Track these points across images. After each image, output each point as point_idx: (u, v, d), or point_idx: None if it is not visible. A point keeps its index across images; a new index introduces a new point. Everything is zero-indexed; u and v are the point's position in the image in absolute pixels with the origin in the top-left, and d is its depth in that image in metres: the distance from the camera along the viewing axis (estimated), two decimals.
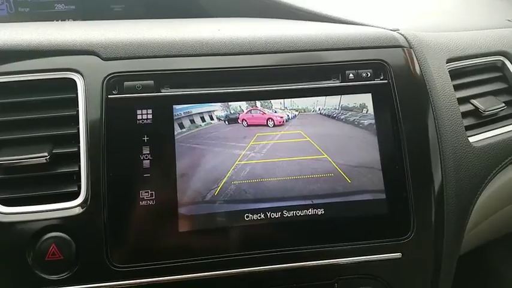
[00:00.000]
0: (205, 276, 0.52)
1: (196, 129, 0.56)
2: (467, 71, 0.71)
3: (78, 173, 0.52)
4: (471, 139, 0.65)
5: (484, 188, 0.65)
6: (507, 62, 0.76)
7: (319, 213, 0.55)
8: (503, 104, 0.71)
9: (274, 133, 0.57)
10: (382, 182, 0.56)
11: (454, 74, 0.68)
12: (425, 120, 0.59)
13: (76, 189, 0.51)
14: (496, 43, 0.77)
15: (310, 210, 0.55)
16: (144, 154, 0.53)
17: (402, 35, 0.63)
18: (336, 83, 0.58)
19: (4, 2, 0.99)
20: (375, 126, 0.58)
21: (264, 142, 0.56)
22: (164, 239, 0.52)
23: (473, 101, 0.69)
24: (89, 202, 0.51)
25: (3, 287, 0.50)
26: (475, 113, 0.68)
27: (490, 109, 0.69)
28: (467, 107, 0.68)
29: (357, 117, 0.58)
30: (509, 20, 0.93)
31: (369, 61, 0.59)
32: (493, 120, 0.70)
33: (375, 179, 0.56)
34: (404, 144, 0.57)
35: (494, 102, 0.71)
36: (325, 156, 0.56)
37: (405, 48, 0.61)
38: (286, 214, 0.54)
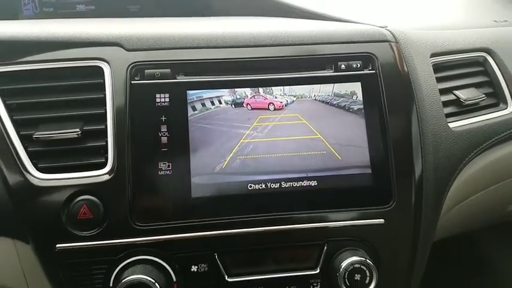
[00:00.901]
0: (212, 234, 0.60)
1: (206, 112, 0.64)
2: (450, 65, 0.79)
3: (105, 147, 0.60)
4: (451, 125, 0.72)
5: (461, 169, 0.72)
6: (489, 58, 0.83)
7: (313, 184, 0.63)
8: (484, 95, 0.78)
9: (275, 116, 0.65)
10: (368, 159, 0.64)
11: (438, 68, 0.76)
12: (408, 106, 0.67)
13: (103, 160, 0.60)
14: (479, 40, 0.84)
15: (305, 182, 0.63)
16: (162, 132, 0.61)
17: (389, 31, 0.71)
18: (330, 73, 0.67)
19: (30, 2, 1.09)
20: (363, 110, 0.65)
21: (266, 123, 0.65)
22: (179, 203, 0.60)
23: (455, 91, 0.77)
24: (115, 171, 0.59)
25: (42, 243, 0.59)
26: (457, 102, 0.76)
27: (470, 99, 0.76)
28: (450, 97, 0.76)
29: (348, 103, 0.66)
30: (495, 21, 1.01)
31: (358, 54, 0.67)
32: (473, 109, 0.77)
33: (362, 156, 0.64)
34: (388, 127, 0.65)
35: (475, 93, 0.78)
36: (319, 136, 0.64)
37: (392, 43, 0.69)
38: (284, 185, 0.62)
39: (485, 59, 0.83)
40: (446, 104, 0.74)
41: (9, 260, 0.60)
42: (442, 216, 0.72)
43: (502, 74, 0.82)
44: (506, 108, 0.80)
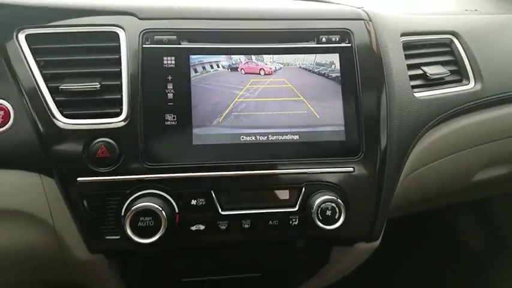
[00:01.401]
0: (209, 175, 0.72)
1: (206, 74, 0.75)
2: (419, 45, 0.90)
3: (120, 100, 0.71)
4: (416, 94, 0.84)
5: (423, 133, 0.83)
6: (455, 40, 0.94)
7: (295, 138, 0.74)
8: (449, 72, 0.90)
9: (264, 79, 0.76)
10: (342, 118, 0.75)
11: (407, 46, 0.87)
12: (378, 76, 0.78)
13: (118, 110, 0.71)
14: (447, 24, 0.96)
15: (288, 136, 0.74)
16: (168, 89, 0.73)
17: (365, 11, 0.82)
18: (312, 45, 0.78)
19: None
20: (340, 78, 0.77)
21: (257, 86, 0.76)
22: (182, 149, 0.72)
23: (422, 67, 0.88)
24: (128, 119, 0.70)
25: (66, 177, 0.70)
26: (423, 76, 0.87)
27: (435, 74, 0.88)
28: (417, 72, 0.87)
29: (327, 71, 0.77)
30: (466, 10, 1.12)
31: (337, 29, 0.79)
32: (438, 83, 0.89)
33: (337, 116, 0.76)
34: (360, 93, 0.76)
35: (440, 69, 0.90)
36: (302, 98, 0.76)
37: (366, 21, 0.80)
38: (270, 138, 0.74)
39: (452, 41, 0.94)
40: (413, 77, 0.86)
41: (36, 192, 0.71)
42: (402, 180, 0.84)
43: (466, 55, 0.93)
44: (468, 83, 0.91)
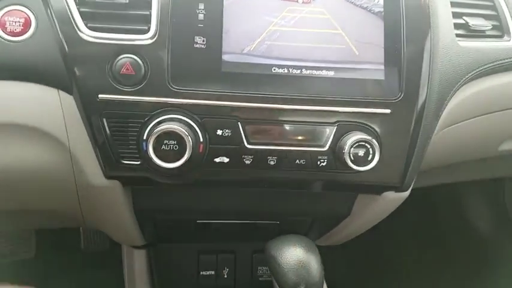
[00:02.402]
0: (237, 105, 0.67)
1: None
2: None
3: (149, 16, 0.66)
4: (459, 42, 0.79)
5: (463, 84, 0.79)
6: None
7: (330, 73, 0.70)
8: (490, 25, 0.85)
9: (302, 8, 0.71)
10: (383, 56, 0.71)
11: None
12: (423, 14, 0.73)
13: (146, 28, 0.66)
14: None
15: (323, 71, 0.70)
16: (200, 9, 0.68)
17: None
18: None
19: None
20: (383, 13, 0.72)
21: (293, 15, 0.71)
22: (210, 75, 0.67)
23: (464, 17, 0.84)
24: (156, 37, 0.66)
25: (87, 92, 0.66)
26: (465, 26, 0.83)
27: (477, 25, 0.83)
28: (459, 21, 0.82)
29: (369, 5, 0.72)
30: None
31: None
32: (480, 35, 0.84)
33: (377, 54, 0.71)
34: (403, 30, 0.71)
35: (483, 22, 0.85)
36: (340, 31, 0.71)
37: None
38: (304, 71, 0.69)
39: None
40: (456, 26, 0.81)
41: (54, 109, 0.67)
42: (435, 133, 0.79)
43: (508, 10, 0.88)
44: (509, 40, 0.87)
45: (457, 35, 0.80)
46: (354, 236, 0.93)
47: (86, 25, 0.65)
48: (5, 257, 1.42)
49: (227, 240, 0.99)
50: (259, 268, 1.02)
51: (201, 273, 1.00)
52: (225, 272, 1.01)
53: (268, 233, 0.83)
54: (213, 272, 1.00)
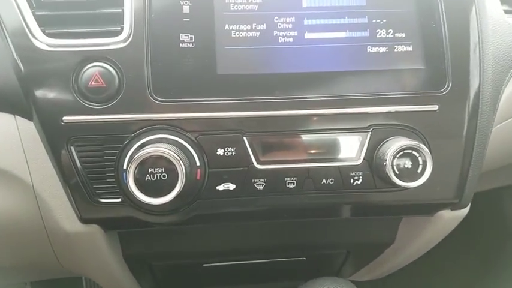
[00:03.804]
0: (240, 116, 0.53)
1: None
2: None
3: (121, 15, 0.53)
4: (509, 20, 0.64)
5: None
6: None
7: (355, 65, 0.55)
8: None
9: None
10: (421, 39, 0.55)
11: None
12: None
13: (118, 29, 0.53)
14: None
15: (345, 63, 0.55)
16: (184, 0, 0.54)
17: None
18: None
19: None
20: None
21: None
22: (203, 80, 0.53)
23: None
24: (131, 38, 0.52)
25: (48, 115, 0.52)
26: (510, 1, 0.68)
27: None
28: None
29: None
30: None
31: None
32: None
33: (412, 34, 0.55)
34: (442, 6, 0.56)
35: None
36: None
37: None
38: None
39: None
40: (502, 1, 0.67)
41: (10, 139, 0.53)
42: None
43: None
44: None
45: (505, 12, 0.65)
46: (400, 267, 0.76)
47: (43, 32, 0.53)
48: None
49: (243, 284, 0.82)
50: None
51: None
52: None
53: (292, 272, 0.66)
54: None
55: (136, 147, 0.51)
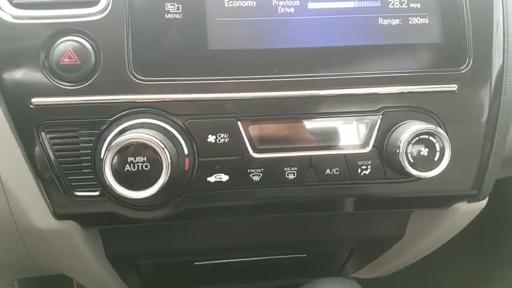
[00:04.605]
0: (234, 97, 0.47)
1: None
2: None
3: None
4: None
5: None
6: None
7: (365, 39, 0.48)
8: None
9: None
10: (439, 10, 0.49)
11: None
12: None
13: None
14: None
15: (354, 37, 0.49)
16: None
17: None
18: None
19: None
20: None
21: None
22: (191, 56, 0.47)
23: None
24: (109, 9, 0.46)
25: (15, 97, 0.45)
26: None
27: None
28: None
29: None
30: None
31: None
32: None
33: (431, 6, 0.49)
34: None
35: None
36: None
37: None
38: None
39: None
40: None
41: None
42: None
43: None
44: None
45: None
46: (409, 264, 0.70)
47: (10, 2, 0.46)
48: None
49: (238, 282, 0.76)
50: None
51: None
52: None
53: (292, 270, 0.61)
54: None
55: (116, 133, 0.45)
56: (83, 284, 0.68)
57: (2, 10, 0.46)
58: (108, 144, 0.45)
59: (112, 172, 0.43)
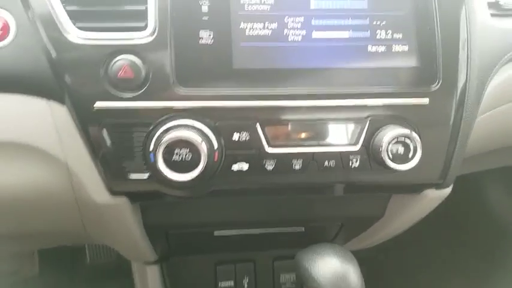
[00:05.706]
0: (254, 105, 0.59)
1: None
2: None
3: (145, 12, 0.58)
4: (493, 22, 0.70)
5: (501, 65, 0.70)
6: None
7: (357, 62, 0.61)
8: None
9: None
10: (415, 39, 0.62)
11: None
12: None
13: (143, 25, 0.57)
14: None
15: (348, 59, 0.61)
16: (203, 1, 0.59)
17: None
18: None
19: None
20: None
21: None
22: (220, 73, 0.59)
23: None
24: (156, 34, 0.57)
25: (80, 101, 0.57)
26: (496, 5, 0.73)
27: (508, 4, 0.74)
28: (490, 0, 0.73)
29: None
30: None
31: None
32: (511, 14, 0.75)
33: (409, 36, 0.62)
34: (436, 10, 0.62)
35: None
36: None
37: None
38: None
39: None
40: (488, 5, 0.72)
41: (43, 122, 0.58)
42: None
43: None
44: None
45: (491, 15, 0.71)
46: (387, 239, 0.85)
47: (74, 25, 0.57)
48: (8, 275, 1.35)
49: (246, 250, 0.91)
50: (281, 275, 0.94)
51: (220, 284, 0.92)
52: (245, 281, 0.93)
53: (292, 241, 0.75)
54: (232, 283, 0.92)
55: (162, 132, 0.57)
56: (117, 249, 0.81)
57: (69, 33, 0.56)
58: (156, 140, 0.57)
59: (163, 160, 0.56)
